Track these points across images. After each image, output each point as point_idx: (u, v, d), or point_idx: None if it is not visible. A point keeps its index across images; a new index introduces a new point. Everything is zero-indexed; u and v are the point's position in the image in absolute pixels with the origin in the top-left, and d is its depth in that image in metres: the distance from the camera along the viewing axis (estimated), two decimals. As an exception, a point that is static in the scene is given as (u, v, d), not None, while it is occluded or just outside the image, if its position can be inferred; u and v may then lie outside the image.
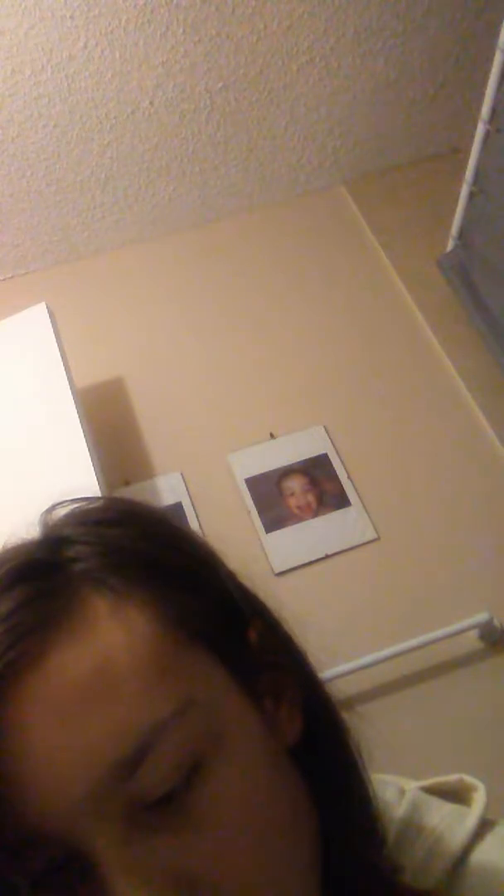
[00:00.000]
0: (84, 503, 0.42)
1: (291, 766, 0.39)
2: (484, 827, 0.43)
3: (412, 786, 0.47)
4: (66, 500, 0.42)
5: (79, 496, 0.43)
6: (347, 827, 0.40)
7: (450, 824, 0.43)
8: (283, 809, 0.36)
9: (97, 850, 0.32)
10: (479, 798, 0.46)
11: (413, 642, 1.49)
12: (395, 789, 0.46)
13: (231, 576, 0.43)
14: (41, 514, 0.42)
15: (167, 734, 0.33)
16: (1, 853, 0.32)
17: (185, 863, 0.32)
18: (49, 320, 1.73)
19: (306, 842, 0.37)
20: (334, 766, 0.42)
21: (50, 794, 0.32)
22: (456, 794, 0.47)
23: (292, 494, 1.74)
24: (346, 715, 0.44)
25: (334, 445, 1.79)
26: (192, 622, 0.37)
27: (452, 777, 0.48)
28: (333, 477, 1.75)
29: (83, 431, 1.58)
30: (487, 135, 1.58)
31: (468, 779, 0.48)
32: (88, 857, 0.32)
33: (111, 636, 0.34)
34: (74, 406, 1.61)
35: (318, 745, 0.42)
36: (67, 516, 0.41)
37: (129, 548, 0.39)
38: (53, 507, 0.42)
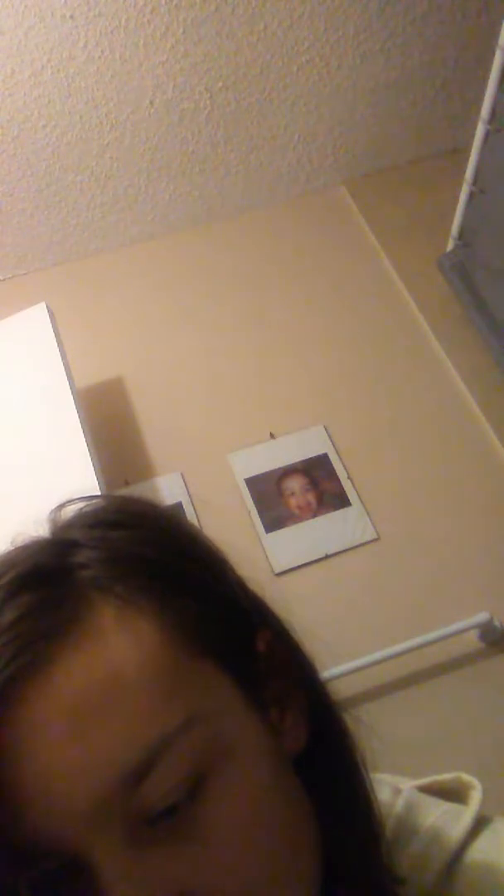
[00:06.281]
0: (94, 503, 0.41)
1: (294, 777, 0.39)
2: (480, 824, 0.43)
3: (407, 785, 0.47)
4: (76, 499, 0.42)
5: (89, 495, 0.42)
6: (350, 839, 0.39)
7: (446, 822, 0.43)
8: (286, 823, 0.36)
9: (98, 860, 0.32)
10: (476, 796, 0.45)
11: (413, 642, 1.49)
12: (390, 789, 0.46)
13: (240, 582, 0.42)
14: (50, 513, 0.41)
15: (173, 748, 0.32)
16: (2, 858, 0.32)
17: (185, 876, 0.32)
18: (49, 320, 1.73)
19: (307, 854, 0.37)
20: (339, 777, 0.41)
21: (53, 803, 0.32)
22: (452, 793, 0.47)
23: (292, 494, 1.74)
24: (345, 716, 0.43)
25: (334, 445, 1.79)
26: (200, 632, 0.36)
27: (449, 776, 0.48)
28: (333, 477, 1.75)
29: (83, 431, 1.58)
30: (487, 135, 1.58)
31: (465, 777, 0.48)
32: (89, 867, 0.32)
33: (118, 647, 0.34)
34: (74, 406, 1.61)
35: (322, 755, 0.41)
36: (77, 517, 0.40)
37: (139, 554, 0.38)
38: (63, 506, 0.41)
